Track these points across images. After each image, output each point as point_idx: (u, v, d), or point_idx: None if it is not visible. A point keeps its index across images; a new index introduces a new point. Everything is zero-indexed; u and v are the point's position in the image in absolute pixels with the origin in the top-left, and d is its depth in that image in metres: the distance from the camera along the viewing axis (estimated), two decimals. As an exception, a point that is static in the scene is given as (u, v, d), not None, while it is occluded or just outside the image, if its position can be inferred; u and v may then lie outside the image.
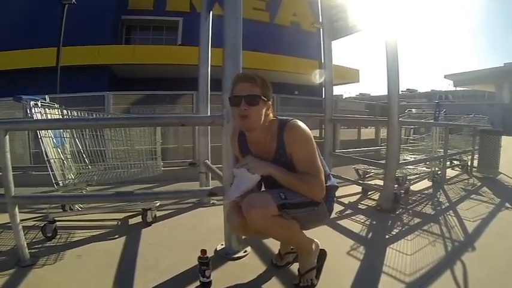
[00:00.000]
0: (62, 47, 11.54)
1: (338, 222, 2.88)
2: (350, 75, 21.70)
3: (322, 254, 1.89)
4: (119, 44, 17.63)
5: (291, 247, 1.99)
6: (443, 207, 3.50)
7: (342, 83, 22.68)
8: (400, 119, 3.33)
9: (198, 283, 1.78)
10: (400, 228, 2.80)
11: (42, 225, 2.49)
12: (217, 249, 2.25)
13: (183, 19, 18.18)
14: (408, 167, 4.24)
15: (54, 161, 2.57)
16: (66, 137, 2.81)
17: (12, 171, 2.00)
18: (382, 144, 7.05)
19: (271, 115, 1.69)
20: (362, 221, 2.96)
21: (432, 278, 1.92)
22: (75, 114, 2.88)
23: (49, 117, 2.60)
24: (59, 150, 2.66)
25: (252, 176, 1.57)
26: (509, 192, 4.49)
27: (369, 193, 3.84)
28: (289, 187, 1.59)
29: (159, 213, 2.92)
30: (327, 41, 4.04)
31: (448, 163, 5.38)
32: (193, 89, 4.85)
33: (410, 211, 3.28)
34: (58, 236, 2.49)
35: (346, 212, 3.22)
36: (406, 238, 2.54)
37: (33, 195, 2.80)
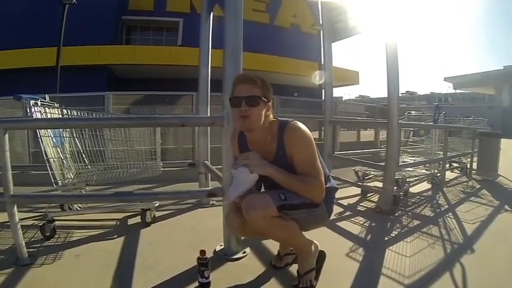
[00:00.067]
0: (62, 47, 11.55)
1: (337, 223, 2.88)
2: (350, 77, 21.72)
3: (321, 256, 1.89)
4: (119, 45, 17.63)
5: (290, 248, 1.99)
6: (442, 209, 3.50)
7: (341, 85, 22.71)
8: (399, 121, 3.34)
9: (197, 284, 1.77)
10: (399, 230, 2.80)
11: (40, 224, 2.49)
12: (217, 250, 2.25)
13: (183, 20, 18.20)
14: (407, 169, 4.24)
15: (54, 161, 2.56)
16: (66, 137, 2.80)
17: (12, 170, 2.00)
18: (382, 146, 7.06)
19: (271, 116, 1.70)
20: (361, 222, 2.96)
21: (431, 280, 1.92)
22: (75, 113, 2.88)
23: (49, 117, 2.60)
24: (59, 149, 2.65)
25: (250, 176, 1.57)
26: (509, 194, 4.49)
27: (368, 195, 3.84)
28: (288, 188, 1.59)
29: (158, 214, 2.92)
30: (327, 42, 4.05)
31: (448, 165, 5.40)
32: (193, 89, 4.85)
33: (409, 213, 3.28)
34: (57, 236, 2.49)
35: (346, 214, 3.22)
36: (405, 240, 2.54)
37: (32, 195, 2.79)
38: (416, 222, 2.99)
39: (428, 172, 4.67)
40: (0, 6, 14.71)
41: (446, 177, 4.91)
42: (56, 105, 2.82)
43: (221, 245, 2.27)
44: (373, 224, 2.95)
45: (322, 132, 5.72)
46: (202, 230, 2.67)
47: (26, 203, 3.12)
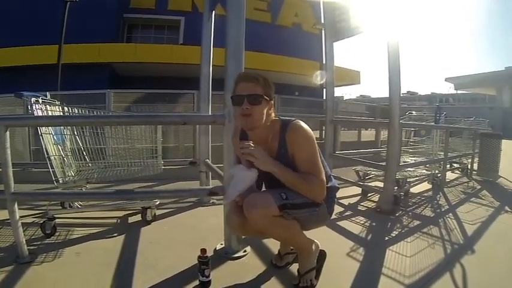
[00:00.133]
0: (64, 45, 11.55)
1: (338, 223, 2.87)
2: (351, 77, 21.70)
3: (321, 255, 1.89)
4: (121, 43, 17.61)
5: (291, 247, 1.99)
6: (443, 209, 3.50)
7: (342, 84, 22.69)
8: (400, 121, 3.33)
9: (197, 282, 1.77)
10: (400, 230, 2.80)
11: (41, 222, 2.49)
12: (217, 248, 2.25)
13: (184, 18, 18.19)
14: (408, 169, 4.24)
15: (55, 158, 2.56)
16: (67, 134, 2.80)
17: (12, 168, 2.00)
18: (383, 146, 7.06)
19: (273, 114, 1.69)
20: (362, 222, 2.96)
21: (431, 280, 1.92)
22: (76, 111, 2.88)
23: (50, 114, 2.60)
24: (60, 147, 2.66)
25: (249, 173, 1.57)
26: (509, 195, 4.48)
27: (369, 195, 3.84)
28: (290, 186, 1.59)
29: (158, 212, 2.92)
30: (329, 42, 4.04)
31: (448, 166, 5.39)
32: (194, 88, 4.86)
33: (410, 213, 3.27)
34: (57, 233, 2.49)
35: (346, 213, 3.22)
36: (405, 240, 2.54)
37: (33, 192, 2.79)
38: (416, 223, 2.99)
39: (429, 172, 4.67)
40: (1, 4, 14.70)
41: (446, 177, 4.91)
42: (57, 102, 2.82)
43: (222, 244, 2.27)
44: (374, 224, 2.95)
45: (323, 131, 5.72)
46: (203, 229, 2.67)
47: (27, 200, 3.13)
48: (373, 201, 3.62)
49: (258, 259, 2.13)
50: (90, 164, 2.93)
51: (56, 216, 2.53)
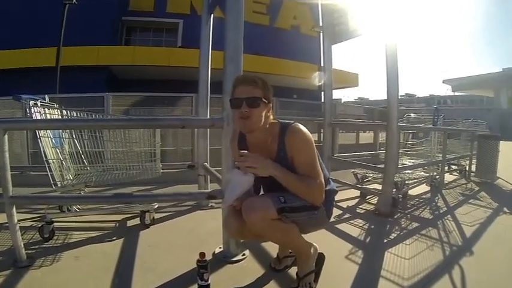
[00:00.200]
0: (62, 47, 11.55)
1: (336, 226, 2.87)
2: (349, 80, 21.77)
3: (320, 258, 1.88)
4: (119, 45, 17.64)
5: (289, 250, 1.98)
6: (441, 211, 3.50)
7: (341, 87, 22.75)
8: (399, 124, 3.34)
9: (196, 286, 1.76)
10: (399, 232, 2.80)
11: (39, 225, 2.48)
12: (216, 252, 2.25)
13: (183, 21, 18.22)
14: (407, 171, 4.25)
15: (53, 162, 2.56)
16: (65, 138, 2.80)
17: (10, 171, 1.99)
18: (381, 149, 7.07)
19: (271, 117, 1.70)
20: (360, 225, 2.96)
21: (430, 282, 1.92)
22: (75, 114, 2.87)
23: (48, 117, 2.59)
24: (58, 150, 2.65)
25: (245, 178, 1.57)
26: (507, 197, 4.50)
27: (367, 197, 3.84)
28: (290, 188, 1.58)
29: (157, 215, 2.92)
30: (327, 45, 4.06)
31: (446, 168, 5.40)
32: (193, 91, 4.86)
33: (408, 215, 3.28)
34: (55, 237, 2.48)
35: (345, 216, 3.22)
36: (404, 242, 2.54)
37: (31, 196, 2.79)
38: (415, 225, 2.99)
39: (427, 174, 4.68)
40: (0, 6, 14.70)
41: (445, 179, 4.92)
42: (55, 105, 2.82)
43: (220, 247, 2.27)
44: (372, 227, 2.95)
45: (322, 134, 5.72)
46: (202, 232, 2.67)
47: (25, 204, 3.12)
48: (372, 204, 3.62)
49: (256, 263, 2.13)
50: (88, 168, 2.92)
51: (54, 220, 2.51)
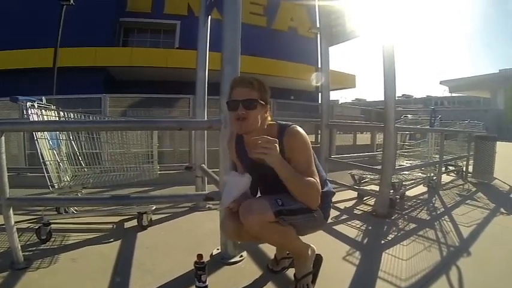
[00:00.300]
0: (59, 48, 11.51)
1: (334, 227, 2.88)
2: (346, 81, 21.79)
3: (318, 259, 1.89)
4: (117, 46, 17.61)
5: (287, 252, 1.98)
6: (438, 212, 3.52)
7: (338, 88, 22.78)
8: (396, 125, 3.35)
9: (193, 288, 1.77)
10: (396, 233, 2.81)
11: (36, 227, 2.47)
12: (213, 253, 2.24)
13: (180, 22, 18.20)
14: (404, 172, 4.26)
15: (50, 163, 2.55)
16: (62, 139, 2.79)
17: (7, 173, 1.98)
18: (378, 150, 7.09)
19: (269, 118, 1.70)
20: (358, 226, 2.97)
21: (428, 283, 1.93)
22: (72, 116, 2.87)
23: (45, 119, 2.59)
24: (55, 152, 2.64)
25: (242, 179, 1.57)
26: (504, 197, 4.52)
27: (365, 198, 3.85)
28: (288, 184, 1.56)
29: (154, 217, 2.91)
30: (324, 46, 4.06)
31: (444, 169, 5.42)
32: (190, 92, 4.86)
33: (405, 216, 3.29)
34: (53, 239, 2.47)
35: (342, 217, 3.22)
36: (401, 243, 2.55)
37: (28, 197, 2.77)
38: (412, 226, 3.00)
39: (425, 175, 4.70)
40: (-3, 7, 14.67)
41: (442, 180, 4.93)
42: (52, 107, 2.81)
43: (218, 249, 2.27)
44: (370, 228, 2.95)
45: (319, 135, 5.73)
46: (199, 234, 2.66)
47: (22, 205, 3.10)
48: (369, 205, 3.63)
49: (254, 264, 2.13)
50: (85, 169, 2.91)
51: (51, 221, 2.50)
